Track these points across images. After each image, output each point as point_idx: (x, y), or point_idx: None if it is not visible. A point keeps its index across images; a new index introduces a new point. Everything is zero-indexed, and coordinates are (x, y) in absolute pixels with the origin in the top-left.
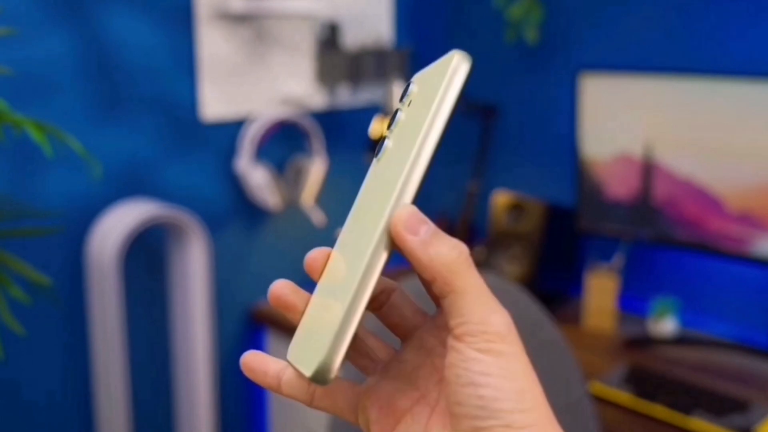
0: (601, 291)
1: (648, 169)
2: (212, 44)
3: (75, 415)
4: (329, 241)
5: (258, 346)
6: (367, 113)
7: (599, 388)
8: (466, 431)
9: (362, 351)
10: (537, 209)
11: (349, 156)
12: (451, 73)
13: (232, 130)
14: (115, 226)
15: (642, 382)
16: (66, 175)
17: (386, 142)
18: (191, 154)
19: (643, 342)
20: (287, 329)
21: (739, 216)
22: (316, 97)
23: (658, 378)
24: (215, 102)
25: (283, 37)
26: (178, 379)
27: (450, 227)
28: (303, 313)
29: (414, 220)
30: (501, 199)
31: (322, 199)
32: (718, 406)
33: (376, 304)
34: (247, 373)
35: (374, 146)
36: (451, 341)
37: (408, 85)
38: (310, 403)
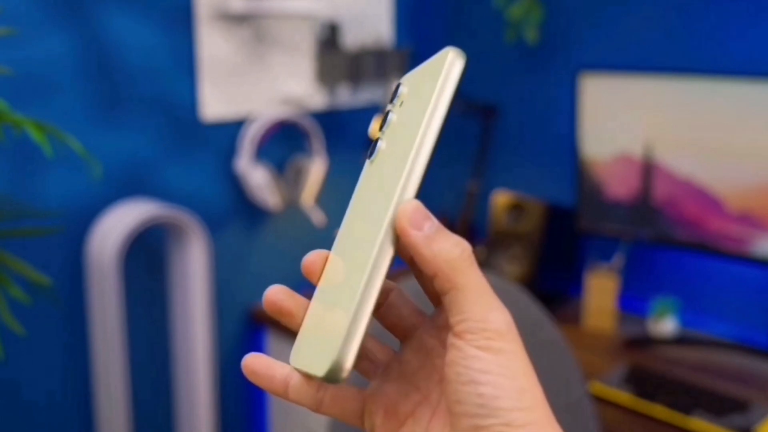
0: (601, 291)
1: (648, 169)
2: (212, 44)
3: (75, 415)
4: (329, 240)
5: (258, 346)
6: (367, 113)
7: (599, 388)
8: (465, 430)
9: (362, 354)
10: (537, 209)
11: (349, 156)
12: (447, 70)
13: (232, 130)
14: (115, 226)
15: (642, 382)
16: (66, 175)
17: (379, 143)
18: (191, 154)
19: (643, 342)
20: (287, 330)
21: (739, 216)
22: (316, 97)
23: (658, 378)
24: (215, 102)
25: (283, 37)
26: (178, 379)
27: (450, 227)
28: (304, 317)
29: (419, 216)
30: (501, 199)
31: (322, 199)
32: (718, 406)
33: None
34: (250, 377)
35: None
36: (451, 339)
37: (397, 87)
38: (318, 409)
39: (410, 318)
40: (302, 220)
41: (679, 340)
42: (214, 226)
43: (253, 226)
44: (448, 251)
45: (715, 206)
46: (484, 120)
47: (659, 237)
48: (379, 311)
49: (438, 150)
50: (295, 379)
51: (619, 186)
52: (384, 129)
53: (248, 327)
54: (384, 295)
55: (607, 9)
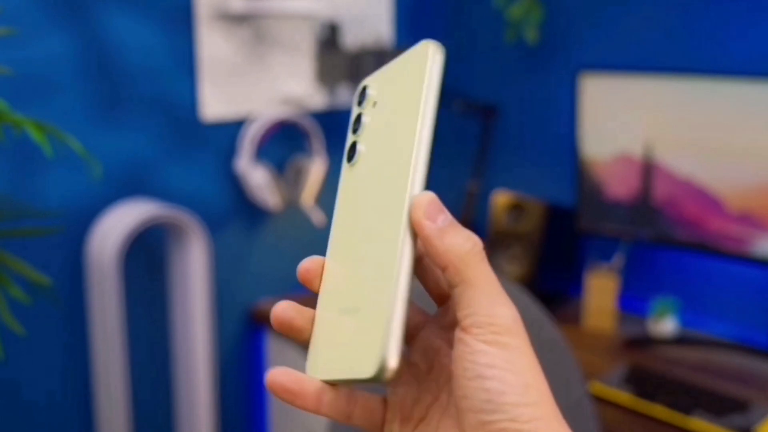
0: (601, 291)
1: (648, 169)
2: (212, 44)
3: (75, 415)
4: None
5: (258, 346)
6: None
7: (599, 388)
8: (472, 425)
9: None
10: (537, 209)
11: None
12: (430, 63)
13: (232, 130)
14: (115, 226)
15: (642, 382)
16: (66, 175)
17: (357, 146)
18: (191, 154)
19: (643, 342)
20: None
21: (739, 216)
22: (316, 97)
23: (658, 378)
24: (215, 102)
25: (282, 37)
26: (178, 379)
27: None
28: (314, 328)
29: (433, 208)
30: (501, 199)
31: (322, 199)
32: (718, 406)
33: None
34: (279, 393)
35: None
36: (458, 333)
37: (363, 89)
38: (348, 421)
39: (414, 318)
40: (302, 220)
41: (679, 340)
42: (214, 226)
43: (253, 226)
44: (459, 245)
45: (715, 206)
46: (484, 120)
47: (659, 237)
48: None
49: (434, 147)
50: (329, 394)
51: (619, 186)
52: (359, 132)
53: (248, 327)
54: None
55: (607, 9)
